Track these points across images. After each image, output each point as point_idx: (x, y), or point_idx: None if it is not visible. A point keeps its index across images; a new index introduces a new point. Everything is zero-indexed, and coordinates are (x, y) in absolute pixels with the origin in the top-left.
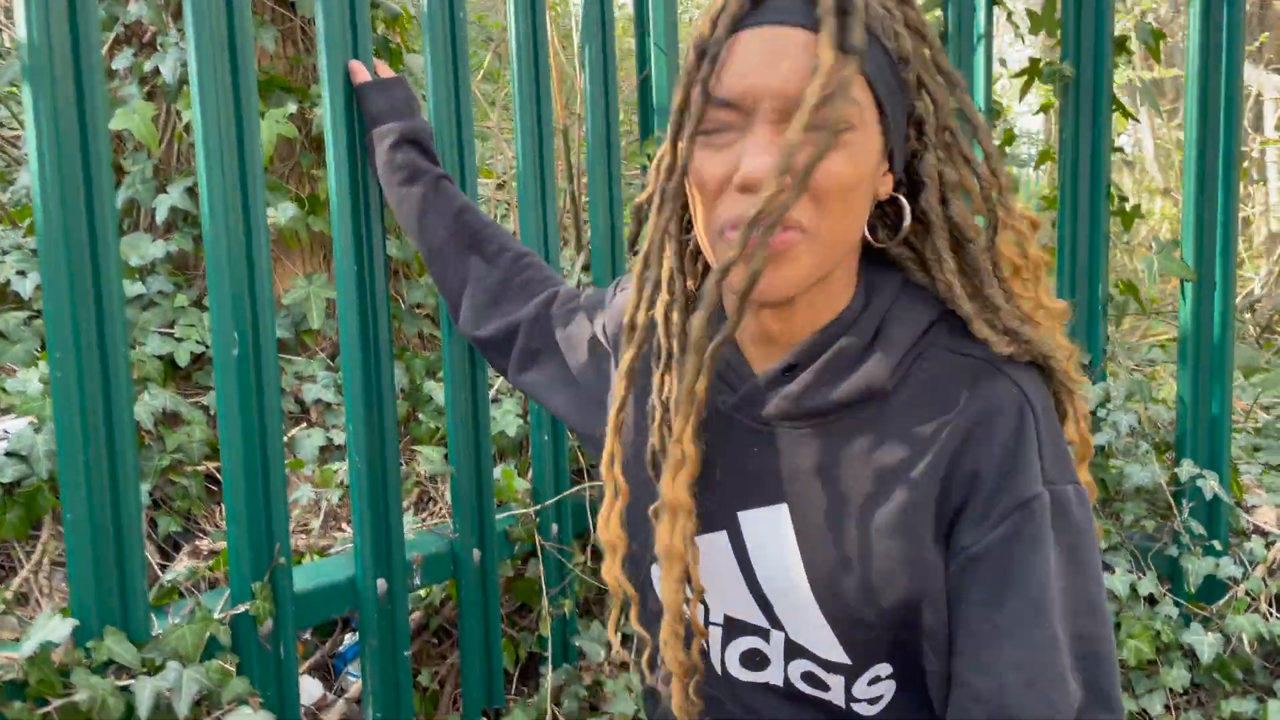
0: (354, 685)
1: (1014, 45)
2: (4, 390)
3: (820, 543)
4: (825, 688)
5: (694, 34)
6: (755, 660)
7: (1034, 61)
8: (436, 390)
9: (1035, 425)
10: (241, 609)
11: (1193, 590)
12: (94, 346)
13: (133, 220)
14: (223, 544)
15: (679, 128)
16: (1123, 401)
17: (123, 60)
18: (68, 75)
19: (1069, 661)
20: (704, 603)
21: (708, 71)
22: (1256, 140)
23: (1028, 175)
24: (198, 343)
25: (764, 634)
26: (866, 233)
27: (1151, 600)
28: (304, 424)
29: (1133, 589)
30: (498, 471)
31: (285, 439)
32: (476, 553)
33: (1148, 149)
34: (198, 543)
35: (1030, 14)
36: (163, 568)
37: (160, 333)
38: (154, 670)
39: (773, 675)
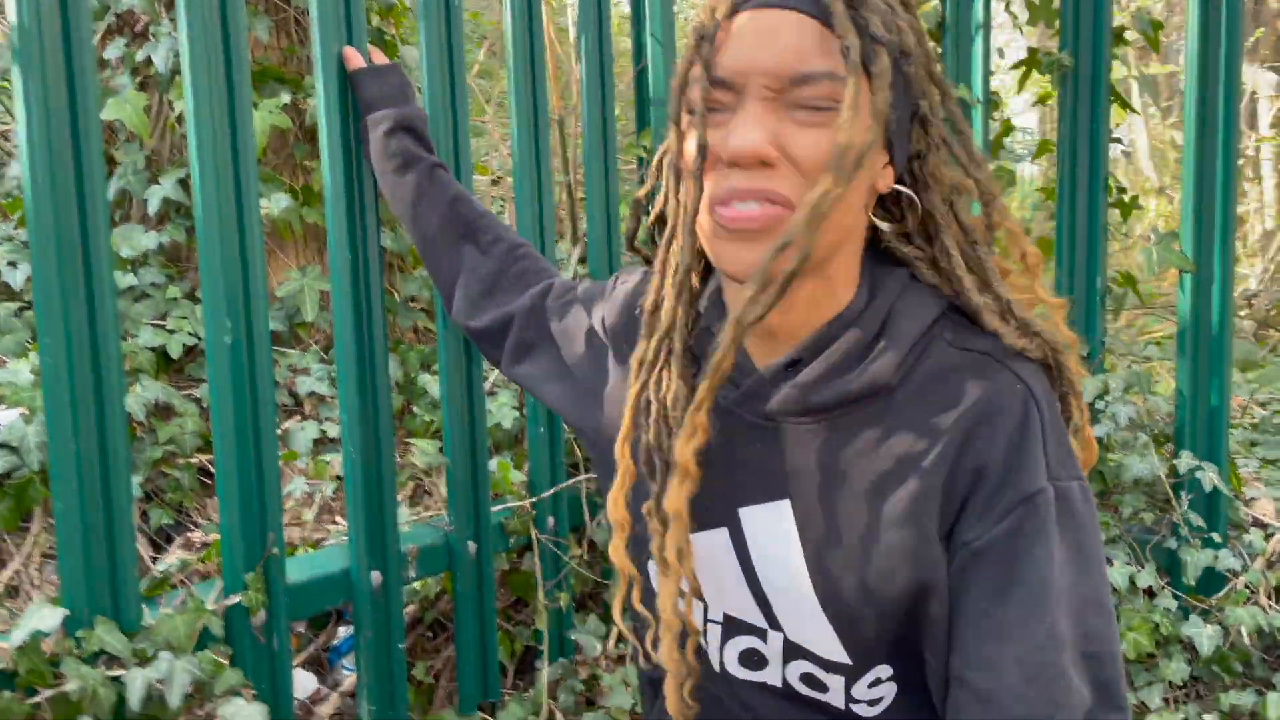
0: (348, 678)
1: (1010, 43)
2: None
3: (823, 538)
4: (824, 689)
5: (695, 20)
6: (753, 660)
7: (1032, 52)
8: (431, 383)
9: (1040, 420)
10: (234, 600)
11: (1192, 583)
12: (85, 337)
13: (124, 212)
14: (215, 537)
15: (678, 108)
16: (1121, 393)
17: (114, 50)
18: (59, 65)
19: (1075, 659)
20: (703, 601)
21: (705, 52)
22: (1252, 138)
23: (1023, 172)
24: (190, 335)
25: (762, 634)
26: (875, 220)
27: (1150, 593)
28: (297, 417)
29: (1131, 581)
30: (493, 464)
31: (279, 432)
32: (472, 545)
33: (1142, 147)
34: (190, 535)
35: (1028, 4)
36: (154, 560)
37: (152, 325)
38: (145, 661)
39: (770, 675)
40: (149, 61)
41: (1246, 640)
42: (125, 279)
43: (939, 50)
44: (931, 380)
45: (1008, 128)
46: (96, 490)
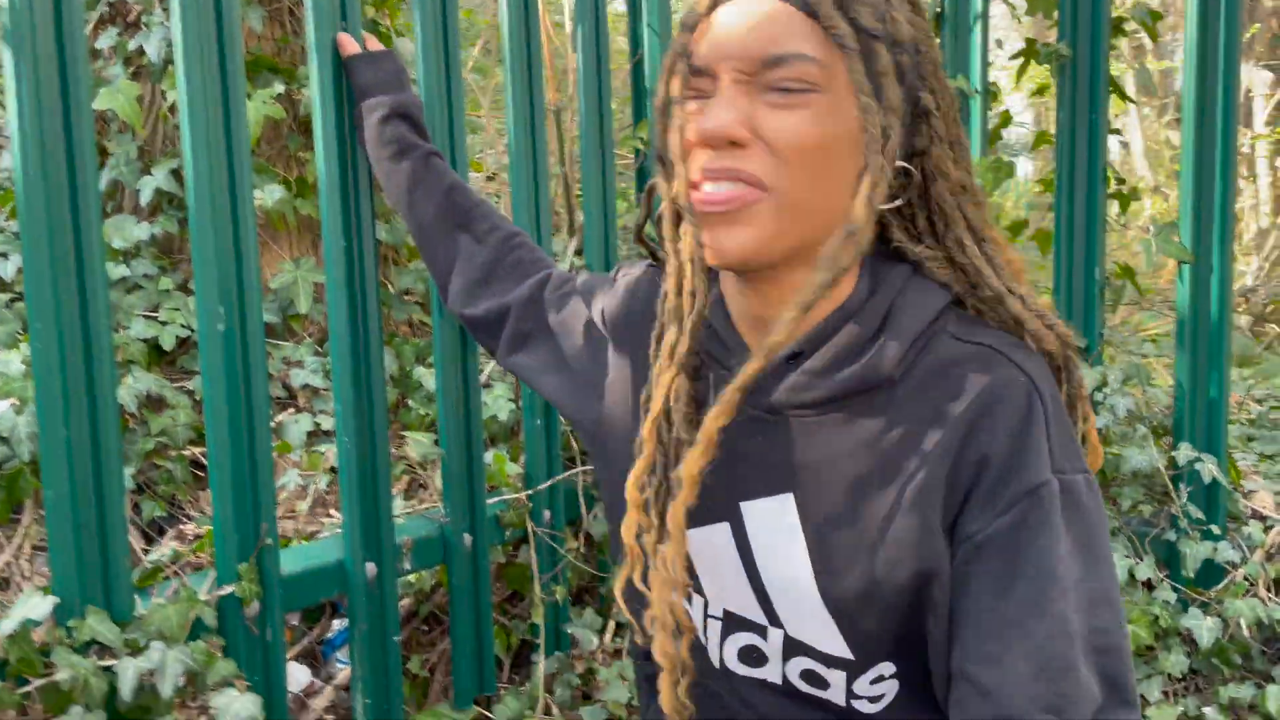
0: (342, 672)
1: (1008, 41)
2: None
3: (827, 530)
4: (825, 685)
5: (684, 13)
6: (753, 657)
7: (1030, 42)
8: (426, 376)
9: (1044, 412)
10: (227, 590)
11: (1191, 575)
12: (76, 329)
13: (117, 203)
14: (208, 528)
15: (663, 100)
16: (1120, 385)
17: (107, 40)
18: (51, 54)
19: (1084, 654)
20: (704, 596)
21: (686, 40)
22: (1247, 135)
23: (1017, 172)
24: (183, 327)
25: (762, 631)
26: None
27: (1149, 585)
28: (291, 410)
29: (1130, 574)
30: (489, 456)
31: (272, 424)
32: (467, 537)
33: (1137, 146)
34: (182, 527)
35: None
36: (146, 553)
37: (144, 316)
38: (137, 651)
39: (770, 673)
40: (141, 51)
41: (1246, 633)
42: (117, 270)
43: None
44: (934, 372)
45: (1007, 119)
46: (88, 478)
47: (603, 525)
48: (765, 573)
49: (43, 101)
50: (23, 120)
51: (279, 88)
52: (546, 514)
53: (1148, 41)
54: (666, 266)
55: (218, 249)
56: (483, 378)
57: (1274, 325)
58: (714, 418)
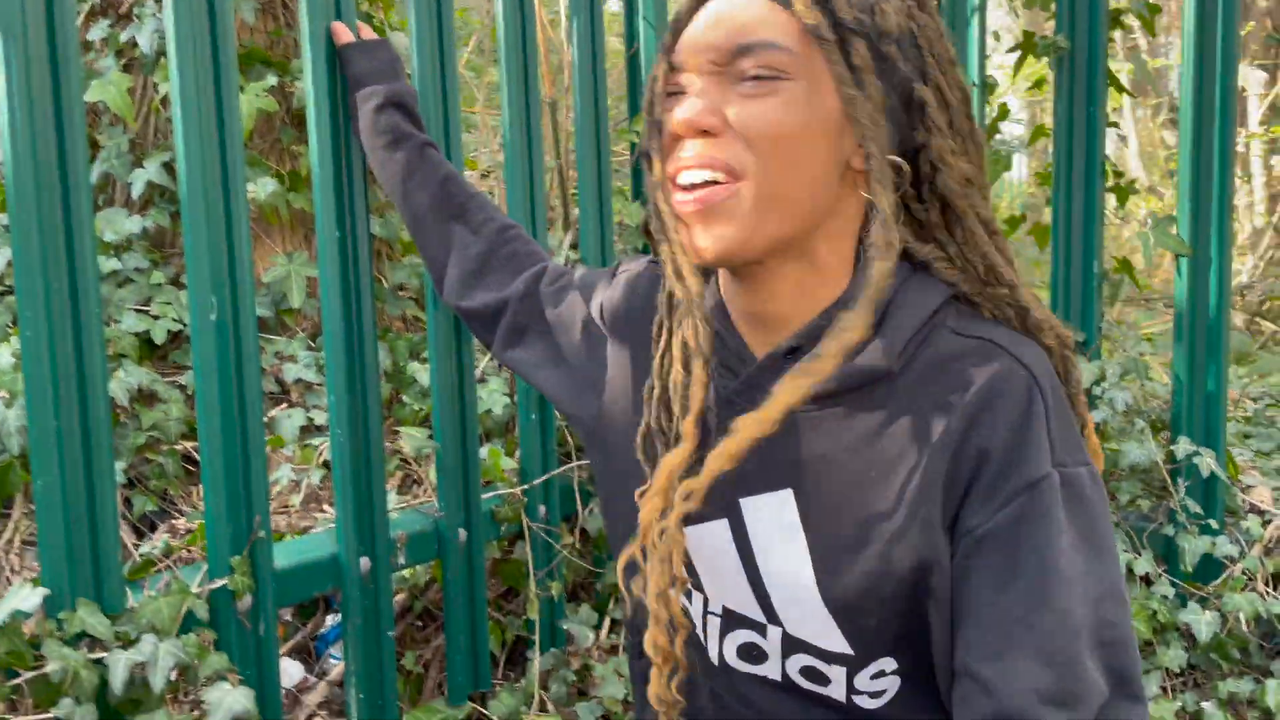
0: (336, 668)
1: (1005, 36)
2: None
3: (827, 526)
4: (825, 681)
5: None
6: (753, 654)
7: (1028, 35)
8: (420, 372)
9: (1044, 405)
10: (220, 583)
11: (1189, 570)
12: (67, 322)
13: (108, 196)
14: (200, 523)
15: (649, 101)
16: (1118, 379)
17: (98, 32)
18: (41, 46)
19: (1090, 648)
20: (703, 593)
21: (669, 41)
22: (1241, 135)
23: (1012, 170)
24: (175, 320)
25: (761, 629)
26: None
27: (1147, 580)
28: (284, 404)
29: (1129, 569)
30: (484, 451)
31: (265, 419)
32: (462, 532)
33: (1132, 148)
34: (174, 522)
35: None
36: (137, 548)
37: (136, 310)
38: (128, 643)
39: (770, 669)
40: (133, 43)
41: (1244, 627)
42: (109, 264)
43: None
44: (934, 367)
45: (1004, 111)
46: (78, 468)
47: (599, 521)
48: (765, 570)
49: (34, 94)
50: (13, 112)
51: (272, 80)
52: (542, 509)
53: (1141, 43)
54: (662, 263)
55: (210, 242)
56: (478, 372)
57: (1269, 323)
58: (758, 422)
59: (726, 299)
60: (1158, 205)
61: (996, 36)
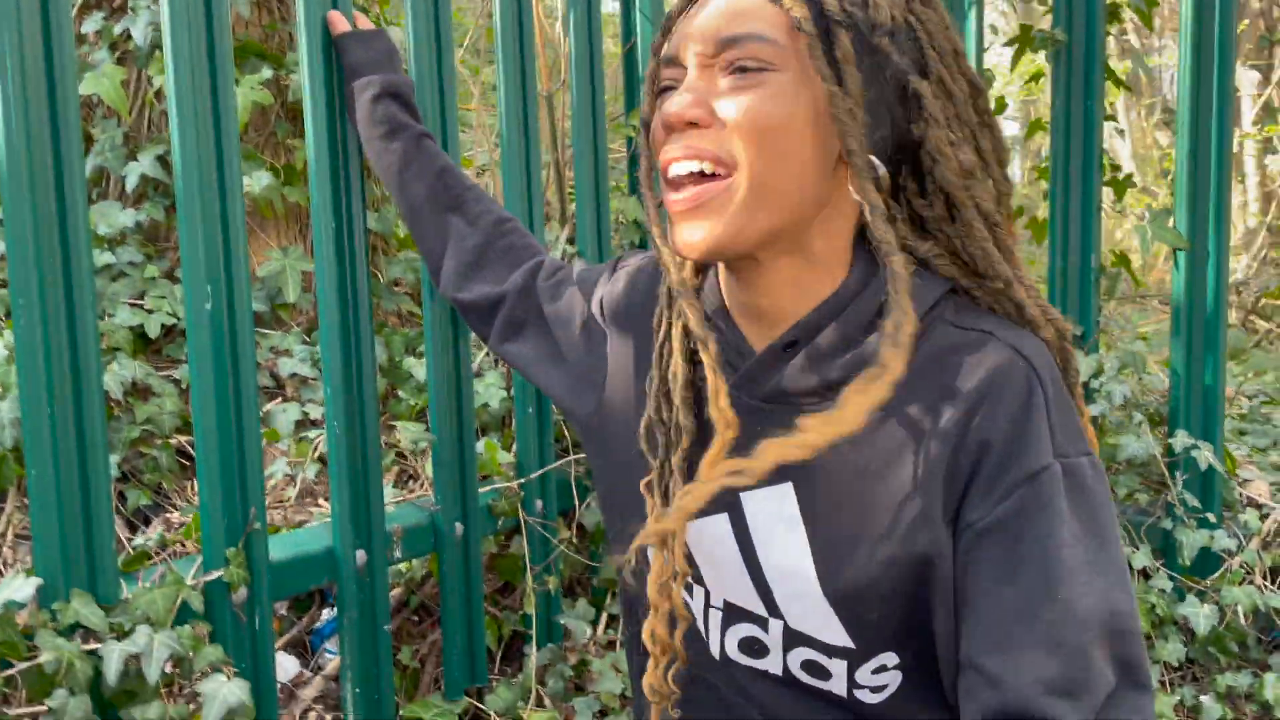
0: (331, 662)
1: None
2: None
3: (827, 520)
4: (826, 675)
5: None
6: (754, 648)
7: (1025, 28)
8: (416, 367)
9: (1044, 397)
10: (215, 575)
11: (1187, 563)
12: (61, 315)
13: (101, 189)
14: (195, 516)
15: (648, 94)
16: (1115, 373)
17: (92, 24)
18: (36, 39)
19: (1096, 638)
20: (704, 587)
21: (659, 41)
22: (1235, 135)
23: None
24: (169, 314)
25: (762, 622)
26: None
27: (1145, 574)
28: (279, 399)
29: (1126, 563)
30: (480, 444)
31: (260, 413)
32: (459, 526)
33: (1125, 150)
34: (168, 516)
35: None
36: (131, 541)
37: (130, 304)
38: (122, 634)
39: (771, 664)
40: (127, 36)
41: (1243, 621)
42: (102, 257)
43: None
44: (933, 359)
45: (1001, 104)
46: (73, 457)
47: (596, 515)
48: (766, 564)
49: (29, 86)
50: (8, 105)
51: (266, 73)
52: (539, 503)
53: (1135, 42)
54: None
55: (206, 235)
56: (474, 366)
57: (1264, 321)
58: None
59: (725, 294)
60: (1153, 204)
61: (994, 30)
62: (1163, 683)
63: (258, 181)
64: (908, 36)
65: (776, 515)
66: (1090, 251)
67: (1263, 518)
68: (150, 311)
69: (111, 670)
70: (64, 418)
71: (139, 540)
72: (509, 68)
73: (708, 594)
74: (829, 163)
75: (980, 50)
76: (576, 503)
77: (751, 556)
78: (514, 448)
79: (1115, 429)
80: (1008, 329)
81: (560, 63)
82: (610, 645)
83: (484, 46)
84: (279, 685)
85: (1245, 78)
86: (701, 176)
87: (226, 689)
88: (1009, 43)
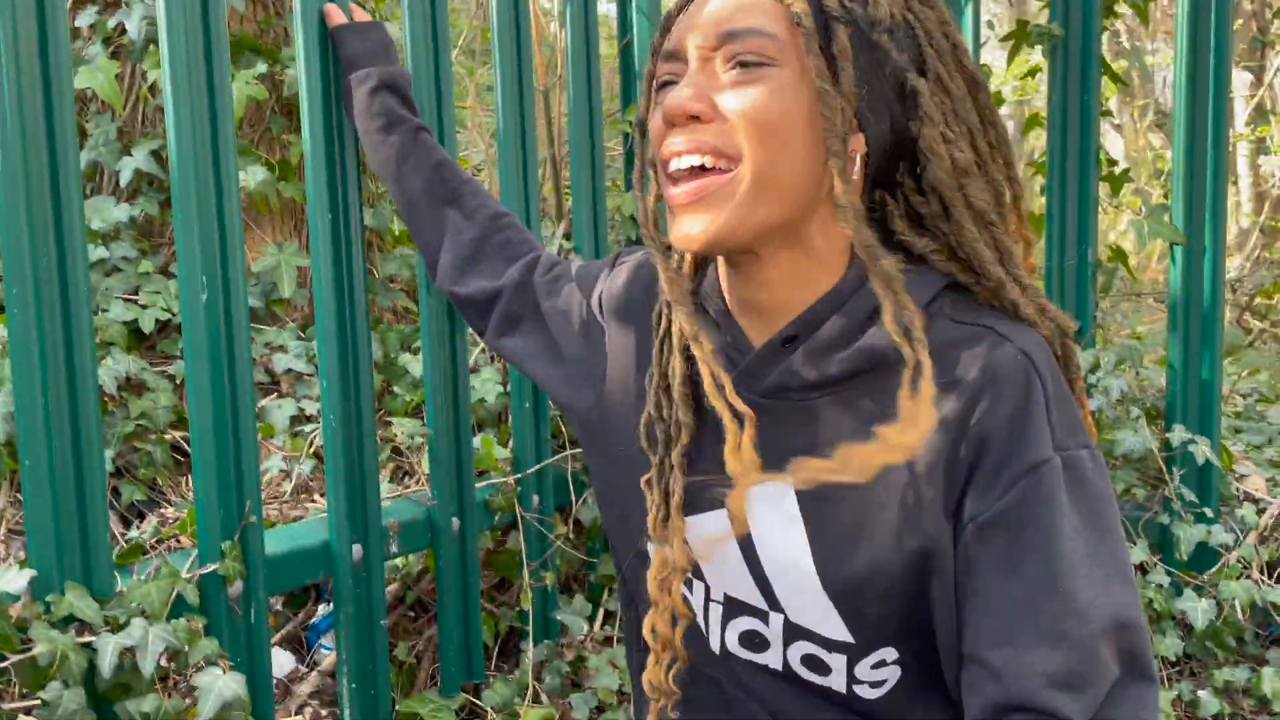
0: (327, 657)
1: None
2: None
3: (826, 515)
4: (826, 670)
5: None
6: (754, 642)
7: (1021, 23)
8: (412, 364)
9: (1043, 390)
10: (210, 568)
11: (1184, 558)
12: (55, 308)
13: (95, 184)
14: (190, 510)
15: (646, 92)
16: (1113, 368)
17: (86, 18)
18: (31, 33)
19: (1099, 630)
20: (705, 581)
21: (658, 41)
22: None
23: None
24: (163, 310)
25: (763, 616)
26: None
27: (1143, 569)
28: (274, 395)
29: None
30: (477, 440)
31: (255, 409)
32: (455, 521)
33: (1118, 151)
34: (163, 511)
35: None
36: (124, 536)
37: (124, 299)
38: (117, 627)
39: (771, 658)
40: (122, 29)
41: (1240, 615)
42: (97, 252)
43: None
44: (932, 354)
45: (999, 100)
46: (67, 450)
47: (593, 511)
48: (765, 558)
49: (23, 80)
50: (2, 99)
51: (262, 68)
52: (535, 499)
53: (1126, 44)
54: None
55: (201, 230)
56: (471, 361)
57: (1258, 320)
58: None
59: (724, 289)
60: (1148, 203)
61: (991, 25)
62: (1160, 678)
63: (253, 177)
64: (906, 34)
65: (776, 510)
66: (1087, 246)
67: (1259, 512)
68: (145, 307)
69: (106, 663)
70: (58, 411)
71: (134, 534)
72: (505, 64)
73: (708, 589)
74: (826, 156)
75: (977, 45)
76: (573, 498)
77: (751, 551)
78: (510, 443)
79: (1112, 424)
80: (1007, 324)
81: (556, 58)
82: (607, 641)
83: (478, 47)
84: (275, 681)
85: (1238, 79)
86: (702, 170)
87: (222, 682)
88: (1005, 38)
